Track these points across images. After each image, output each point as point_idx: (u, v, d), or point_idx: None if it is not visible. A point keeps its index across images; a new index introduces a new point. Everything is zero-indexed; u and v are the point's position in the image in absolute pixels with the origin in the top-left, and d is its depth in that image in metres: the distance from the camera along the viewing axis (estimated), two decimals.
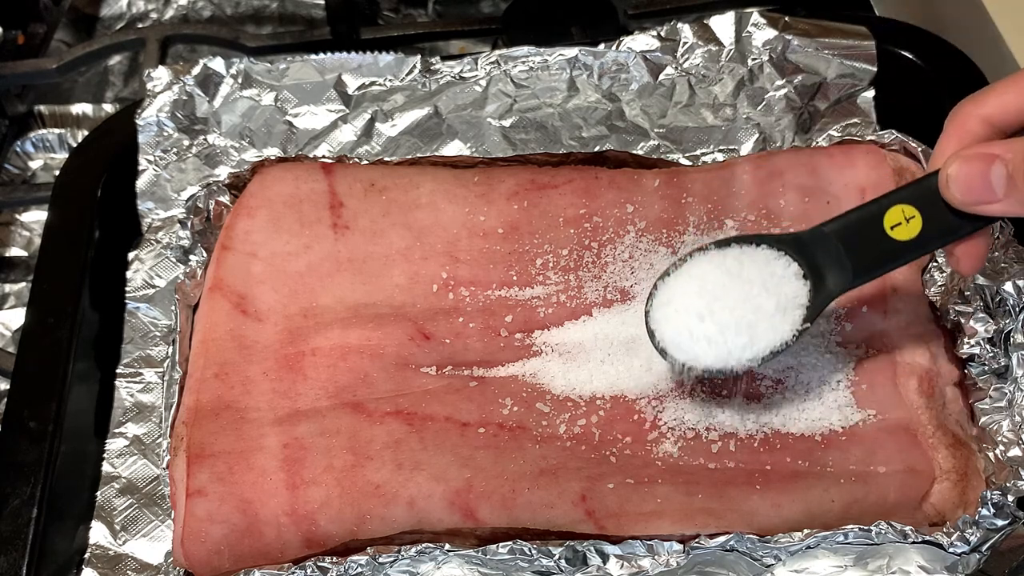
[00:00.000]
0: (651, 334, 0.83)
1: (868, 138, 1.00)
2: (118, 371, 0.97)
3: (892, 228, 0.78)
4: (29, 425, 0.90)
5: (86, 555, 0.88)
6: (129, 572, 0.87)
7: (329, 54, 1.07)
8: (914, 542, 0.78)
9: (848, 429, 0.86)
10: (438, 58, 1.07)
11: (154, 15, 1.43)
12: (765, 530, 0.80)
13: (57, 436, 0.90)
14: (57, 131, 1.30)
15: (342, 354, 0.90)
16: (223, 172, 1.04)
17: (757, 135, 1.05)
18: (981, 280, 0.89)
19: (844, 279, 0.80)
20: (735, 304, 0.79)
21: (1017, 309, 0.87)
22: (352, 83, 1.06)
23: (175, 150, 1.05)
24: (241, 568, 0.81)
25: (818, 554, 0.79)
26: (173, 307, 0.94)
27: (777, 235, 0.83)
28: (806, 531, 0.78)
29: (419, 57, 1.07)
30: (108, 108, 1.32)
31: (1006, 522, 0.78)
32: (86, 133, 1.23)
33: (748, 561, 0.79)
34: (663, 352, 0.82)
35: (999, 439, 0.84)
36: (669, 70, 1.06)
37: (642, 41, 1.06)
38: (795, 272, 0.81)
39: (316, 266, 0.95)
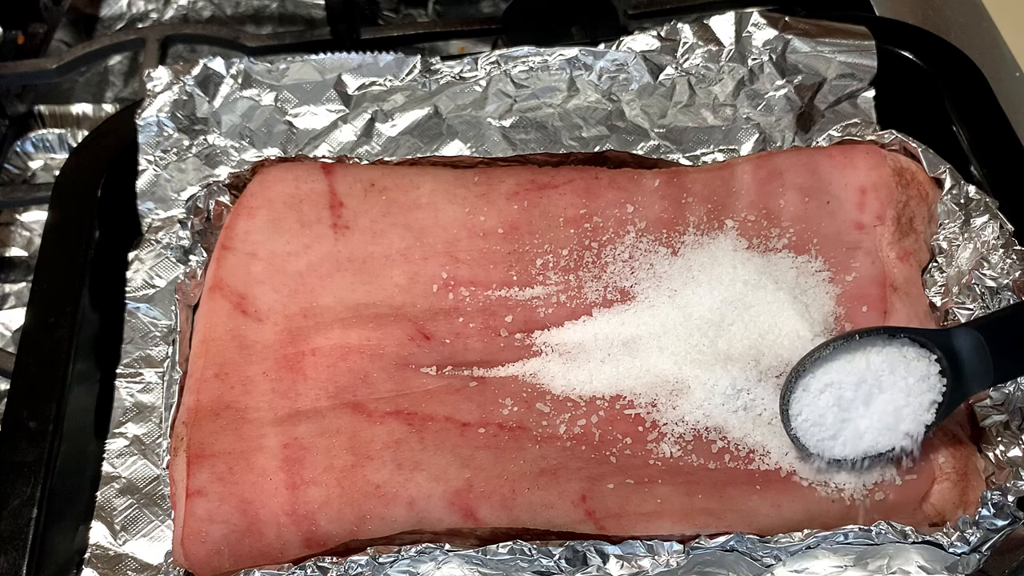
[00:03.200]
0: (788, 426, 0.84)
1: (868, 138, 1.00)
2: (118, 371, 0.97)
3: None
4: (29, 425, 0.90)
5: (86, 555, 0.88)
6: (129, 572, 0.87)
7: (329, 54, 1.07)
8: (914, 542, 0.78)
9: None
10: (438, 58, 1.07)
11: (154, 15, 1.43)
12: (765, 530, 0.80)
13: (57, 436, 0.90)
14: (57, 131, 1.30)
15: (342, 354, 0.90)
16: (223, 172, 1.04)
17: (757, 135, 1.05)
18: (981, 280, 0.89)
19: (985, 380, 0.81)
20: (873, 403, 0.81)
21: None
22: (352, 83, 1.06)
23: (175, 150, 1.05)
24: (241, 568, 0.81)
25: (818, 554, 0.79)
26: (173, 307, 0.94)
27: (925, 331, 0.82)
28: (806, 531, 0.78)
29: (419, 57, 1.07)
30: (108, 108, 1.32)
31: (1006, 522, 0.78)
32: (86, 133, 1.23)
33: (748, 561, 0.79)
34: (795, 439, 0.83)
35: (999, 439, 0.84)
36: (669, 70, 1.06)
37: (642, 41, 1.06)
38: (935, 371, 0.81)
39: (316, 266, 0.95)
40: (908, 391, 0.81)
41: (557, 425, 0.87)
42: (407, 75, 1.06)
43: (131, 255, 1.02)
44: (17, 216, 1.24)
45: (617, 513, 0.81)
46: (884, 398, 0.81)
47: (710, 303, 0.91)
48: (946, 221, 0.94)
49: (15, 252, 1.22)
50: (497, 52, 1.07)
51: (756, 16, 1.06)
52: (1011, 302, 0.87)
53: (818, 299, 0.92)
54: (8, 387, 0.94)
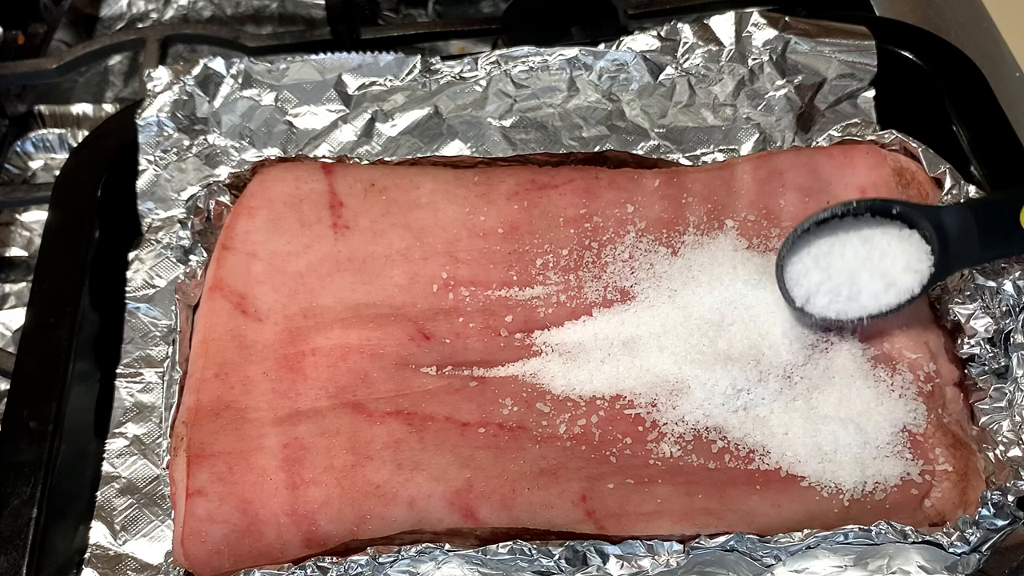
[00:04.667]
0: (782, 282, 0.89)
1: (868, 138, 1.00)
2: (118, 371, 0.97)
3: None
4: (29, 425, 0.90)
5: (86, 555, 0.88)
6: (129, 572, 0.87)
7: (329, 54, 1.07)
8: (914, 542, 0.78)
9: None
10: (438, 58, 1.07)
11: (154, 15, 1.43)
12: (765, 530, 0.80)
13: (57, 436, 0.90)
14: (57, 131, 1.30)
15: (342, 354, 0.90)
16: (223, 172, 1.04)
17: (757, 135, 1.05)
18: (981, 280, 0.89)
19: (971, 257, 0.87)
20: (862, 266, 0.87)
21: (1017, 309, 0.87)
22: (352, 83, 1.06)
23: (175, 150, 1.05)
24: (241, 568, 0.81)
25: (818, 554, 0.79)
26: (173, 307, 0.94)
27: (915, 205, 0.89)
28: (806, 531, 0.78)
29: (419, 57, 1.07)
30: (108, 108, 1.32)
31: (1006, 522, 0.78)
32: (86, 133, 1.23)
33: (748, 561, 0.79)
34: (790, 298, 0.89)
35: (999, 439, 0.84)
36: (669, 70, 1.06)
37: (642, 41, 1.06)
38: (922, 245, 0.87)
39: (316, 266, 0.95)
40: (900, 264, 0.87)
41: (557, 425, 0.87)
42: (407, 75, 1.06)
43: (131, 255, 1.02)
44: (17, 216, 1.24)
45: (617, 513, 0.81)
46: (876, 268, 0.87)
47: (710, 303, 0.91)
48: None
49: (15, 252, 1.22)
50: (497, 52, 1.07)
51: (756, 16, 1.06)
52: (1011, 302, 0.87)
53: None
54: (8, 387, 0.94)
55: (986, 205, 0.88)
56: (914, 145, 0.98)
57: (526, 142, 1.05)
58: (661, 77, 1.06)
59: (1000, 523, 0.78)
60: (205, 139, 1.06)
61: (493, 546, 0.79)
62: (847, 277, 0.88)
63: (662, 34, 1.06)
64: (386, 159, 1.02)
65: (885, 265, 0.88)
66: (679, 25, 1.07)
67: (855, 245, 0.88)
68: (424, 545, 0.79)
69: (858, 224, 0.89)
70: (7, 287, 1.17)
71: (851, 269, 0.88)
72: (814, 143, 1.02)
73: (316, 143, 1.06)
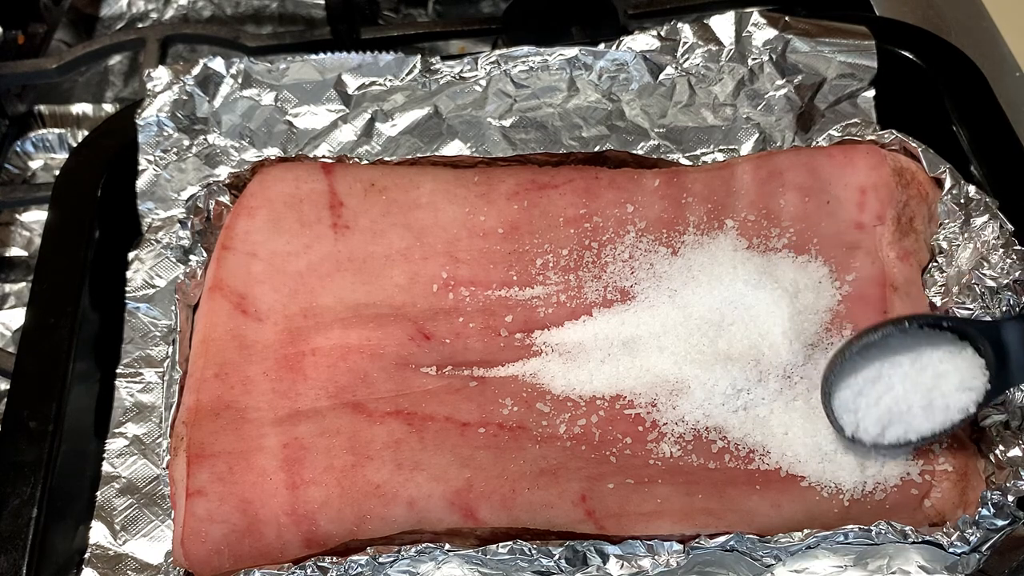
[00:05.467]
0: (829, 408, 0.85)
1: (868, 138, 1.00)
2: (118, 371, 0.97)
3: None
4: (29, 425, 0.90)
5: (86, 555, 0.88)
6: (129, 572, 0.87)
7: (329, 54, 1.07)
8: (914, 542, 0.78)
9: None
10: (438, 58, 1.07)
11: (154, 15, 1.43)
12: (765, 530, 0.80)
13: (57, 436, 0.90)
14: (57, 131, 1.30)
15: (342, 354, 0.90)
16: (223, 172, 1.04)
17: (757, 135, 1.05)
18: (981, 280, 0.89)
19: None
20: (914, 387, 0.83)
21: (1017, 309, 0.87)
22: (352, 83, 1.06)
23: (175, 150, 1.05)
24: (241, 568, 0.81)
25: (818, 554, 0.79)
26: (173, 307, 0.94)
27: (969, 320, 0.84)
28: (806, 531, 0.78)
29: (419, 57, 1.07)
30: (108, 108, 1.32)
31: (1006, 522, 0.78)
32: (86, 133, 1.23)
33: (748, 561, 0.79)
34: (839, 427, 0.84)
35: (999, 439, 0.84)
36: (669, 70, 1.06)
37: (642, 41, 1.06)
38: (975, 360, 0.82)
39: (316, 266, 0.95)
40: (953, 382, 0.82)
41: (557, 425, 0.87)
42: (407, 75, 1.06)
43: (131, 255, 1.02)
44: (17, 216, 1.23)
45: (617, 513, 0.81)
46: (928, 389, 0.82)
47: (710, 303, 0.91)
48: (946, 221, 0.94)
49: (15, 252, 1.22)
50: (497, 52, 1.07)
51: (756, 16, 1.06)
52: (1011, 302, 0.87)
53: (818, 299, 0.92)
54: (8, 387, 0.94)
55: None
56: (914, 145, 0.97)
57: (526, 142, 1.05)
58: (661, 77, 1.06)
59: (1000, 523, 0.78)
60: (205, 139, 1.06)
61: (493, 546, 0.79)
62: (898, 401, 0.83)
63: (662, 34, 1.06)
64: (386, 159, 1.02)
65: (938, 385, 0.82)
66: (679, 25, 1.07)
67: (905, 367, 0.83)
68: (424, 545, 0.79)
69: (907, 341, 0.84)
70: (7, 287, 1.17)
71: (902, 392, 0.83)
72: (814, 143, 1.02)
73: (316, 143, 1.06)
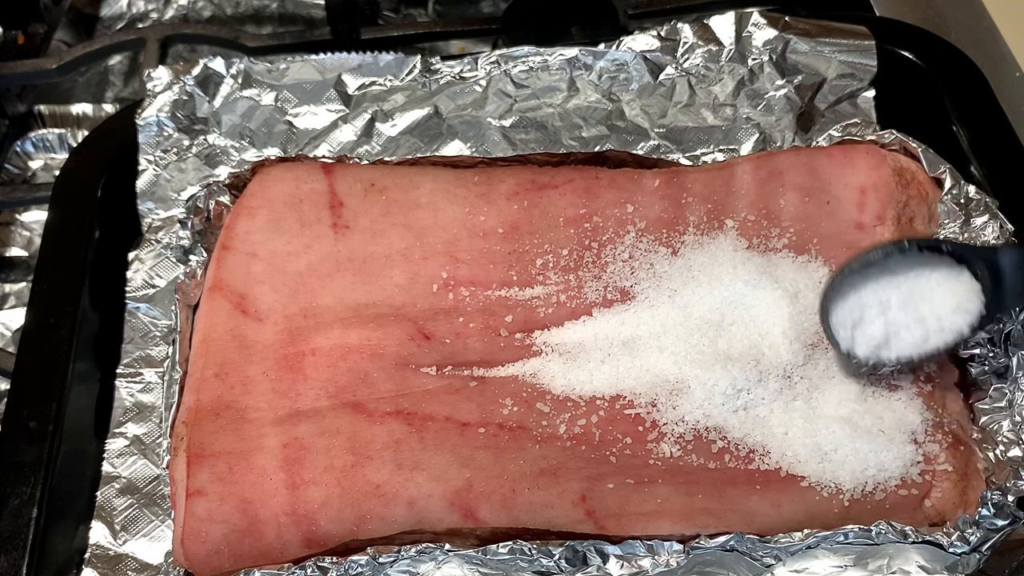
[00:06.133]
0: (827, 323, 0.87)
1: (868, 138, 1.00)
2: (118, 371, 0.97)
3: None
4: (29, 425, 0.90)
5: (86, 555, 0.88)
6: (129, 572, 0.87)
7: (329, 54, 1.07)
8: (914, 542, 0.78)
9: None
10: (438, 58, 1.07)
11: (154, 15, 1.43)
12: (765, 530, 0.80)
13: (57, 436, 0.90)
14: (57, 131, 1.30)
15: (342, 354, 0.90)
16: (223, 172, 1.04)
17: (757, 135, 1.05)
18: None
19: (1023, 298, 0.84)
20: (911, 307, 0.85)
21: (1017, 309, 0.87)
22: (352, 83, 1.06)
23: (175, 150, 1.05)
24: (241, 568, 0.81)
25: (818, 554, 0.79)
26: (173, 307, 0.94)
27: (967, 245, 0.87)
28: (806, 531, 0.78)
29: (419, 57, 1.07)
30: (108, 108, 1.32)
31: (1006, 522, 0.78)
32: (86, 133, 1.23)
33: (748, 561, 0.79)
34: (835, 341, 0.86)
35: (999, 439, 0.84)
36: (669, 70, 1.06)
37: (642, 41, 1.06)
38: (972, 284, 0.84)
39: (316, 266, 0.95)
40: (950, 304, 0.84)
41: (557, 425, 0.87)
42: (407, 75, 1.06)
43: (131, 255, 1.02)
44: (17, 216, 1.24)
45: (617, 513, 0.81)
46: (925, 309, 0.85)
47: (710, 303, 0.91)
48: (946, 221, 0.94)
49: (15, 252, 1.22)
50: (497, 52, 1.07)
51: (756, 16, 1.06)
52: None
53: (818, 299, 0.92)
54: (8, 387, 0.94)
55: None
56: (914, 145, 0.97)
57: (526, 142, 1.05)
58: (661, 77, 1.06)
59: (1000, 523, 0.78)
60: (205, 139, 1.06)
61: (493, 546, 0.79)
62: (894, 321, 0.85)
63: (662, 34, 1.06)
64: (386, 159, 1.02)
65: (934, 307, 0.85)
66: (679, 25, 1.07)
67: (903, 288, 0.86)
68: (424, 545, 0.79)
69: (906, 262, 0.86)
70: (7, 287, 1.17)
71: (899, 312, 0.85)
72: (814, 143, 1.02)
73: (316, 143, 1.06)
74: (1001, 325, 0.86)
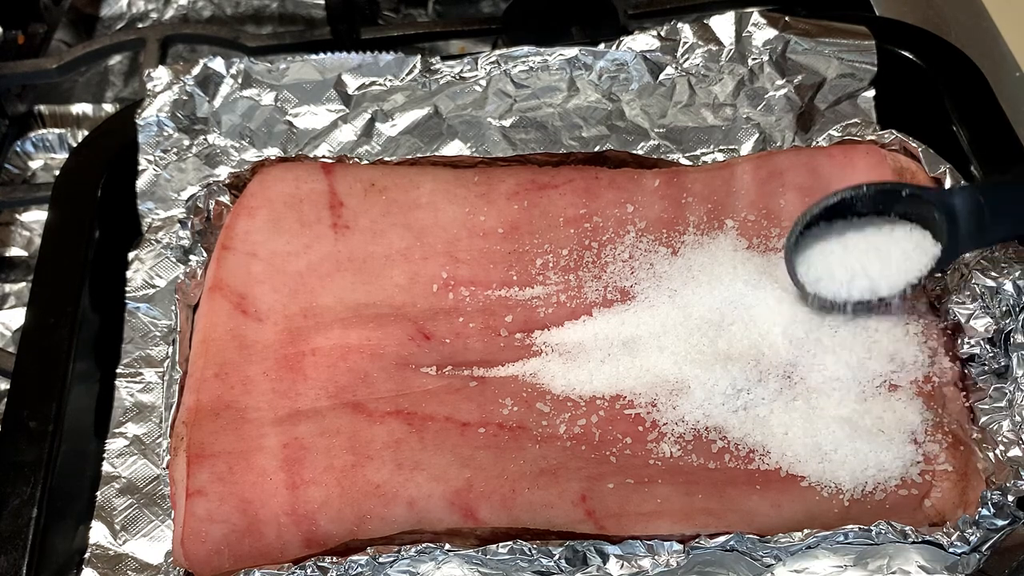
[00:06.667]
0: (792, 266, 0.90)
1: (868, 138, 1.00)
2: (118, 371, 0.97)
3: None
4: (29, 425, 0.90)
5: (86, 555, 0.88)
6: (129, 572, 0.87)
7: (329, 54, 1.07)
8: (914, 542, 0.78)
9: None
10: (438, 58, 1.07)
11: (154, 15, 1.43)
12: (765, 530, 0.80)
13: (57, 436, 0.89)
14: (57, 131, 1.30)
15: (342, 354, 0.90)
16: (223, 172, 1.04)
17: (757, 135, 1.05)
18: (981, 280, 0.89)
19: (979, 239, 0.87)
20: (872, 249, 0.88)
21: (1017, 309, 0.87)
22: (352, 83, 1.06)
23: (175, 150, 1.05)
24: (241, 568, 0.81)
25: (818, 554, 0.79)
26: (173, 307, 0.94)
27: (924, 187, 0.90)
28: (806, 531, 0.78)
29: (419, 57, 1.07)
30: (108, 108, 1.32)
31: (1006, 522, 0.78)
32: (86, 133, 1.23)
33: (748, 561, 0.79)
34: (800, 283, 0.89)
35: (999, 439, 0.84)
36: (669, 70, 1.06)
37: (642, 41, 1.06)
38: (928, 236, 0.88)
39: (316, 266, 0.95)
40: (910, 246, 0.88)
41: (557, 425, 0.87)
42: (407, 75, 1.06)
43: (131, 255, 1.02)
44: (17, 216, 1.24)
45: (617, 513, 0.81)
46: (883, 253, 0.88)
47: (710, 303, 0.91)
48: None
49: (15, 252, 1.22)
50: (497, 52, 1.07)
51: (756, 16, 1.06)
52: (1011, 302, 0.87)
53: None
54: (8, 387, 0.94)
55: (996, 187, 0.89)
56: (914, 145, 0.98)
57: (526, 142, 1.05)
58: (661, 77, 1.06)
59: (1000, 523, 0.78)
60: (205, 139, 1.06)
61: (493, 546, 0.79)
62: (857, 263, 0.88)
63: (662, 34, 1.06)
64: (386, 159, 1.02)
65: (894, 249, 0.88)
66: (679, 25, 1.07)
67: (863, 231, 0.89)
68: (424, 545, 0.79)
69: (866, 207, 0.90)
70: (7, 287, 1.17)
71: (861, 255, 0.88)
72: (814, 143, 1.02)
73: (316, 143, 1.06)
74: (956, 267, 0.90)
